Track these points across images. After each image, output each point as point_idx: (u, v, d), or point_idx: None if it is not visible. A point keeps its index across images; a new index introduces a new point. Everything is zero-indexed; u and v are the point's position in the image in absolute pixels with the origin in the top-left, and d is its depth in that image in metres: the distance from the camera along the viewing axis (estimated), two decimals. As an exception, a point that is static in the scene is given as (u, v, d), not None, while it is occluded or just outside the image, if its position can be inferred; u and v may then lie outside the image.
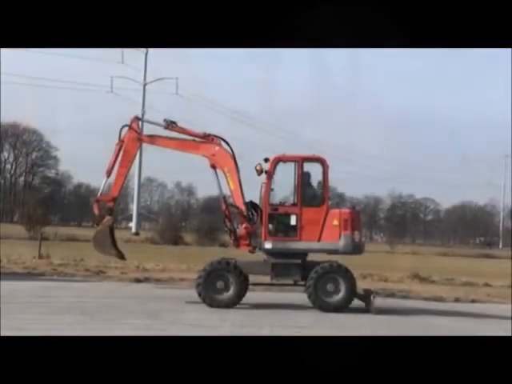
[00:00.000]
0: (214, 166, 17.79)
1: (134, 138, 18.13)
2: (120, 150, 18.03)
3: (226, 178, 17.75)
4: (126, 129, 18.12)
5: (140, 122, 18.86)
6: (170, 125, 18.06)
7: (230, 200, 17.97)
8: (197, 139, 18.13)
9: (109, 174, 18.13)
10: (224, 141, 17.97)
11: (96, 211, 18.36)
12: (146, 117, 21.68)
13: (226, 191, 17.95)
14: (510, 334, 12.68)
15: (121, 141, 18.05)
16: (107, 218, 18.21)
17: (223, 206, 18.00)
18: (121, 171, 18.20)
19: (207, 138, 17.97)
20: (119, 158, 18.07)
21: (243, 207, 17.66)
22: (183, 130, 18.17)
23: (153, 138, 18.51)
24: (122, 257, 18.84)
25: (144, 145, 19.23)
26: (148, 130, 18.90)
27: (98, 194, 18.60)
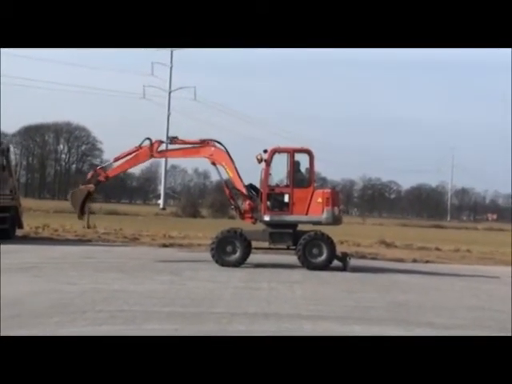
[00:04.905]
0: (213, 163, 17.73)
1: (148, 153, 17.92)
2: (134, 152, 17.88)
3: (225, 169, 17.74)
4: (147, 141, 17.79)
5: (160, 144, 18.18)
6: (173, 140, 17.99)
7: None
8: (196, 145, 17.99)
9: (116, 160, 18.16)
10: (218, 142, 17.87)
11: (89, 176, 18.39)
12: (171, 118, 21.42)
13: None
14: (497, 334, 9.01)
15: (139, 147, 17.87)
16: (90, 185, 18.02)
17: (226, 191, 18.06)
18: (125, 165, 18.26)
19: (204, 143, 17.87)
20: (130, 156, 17.93)
21: (243, 189, 17.64)
22: (183, 141, 18.02)
23: (163, 153, 18.94)
24: (81, 218, 18.99)
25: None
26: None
27: (100, 166, 18.46)
